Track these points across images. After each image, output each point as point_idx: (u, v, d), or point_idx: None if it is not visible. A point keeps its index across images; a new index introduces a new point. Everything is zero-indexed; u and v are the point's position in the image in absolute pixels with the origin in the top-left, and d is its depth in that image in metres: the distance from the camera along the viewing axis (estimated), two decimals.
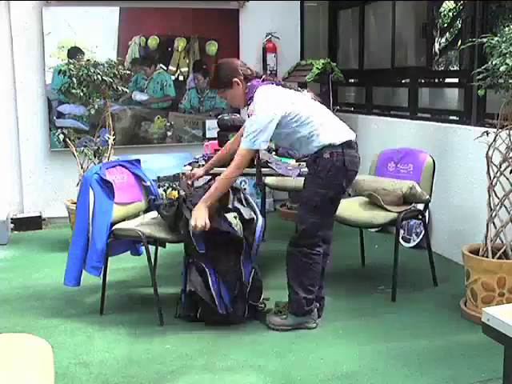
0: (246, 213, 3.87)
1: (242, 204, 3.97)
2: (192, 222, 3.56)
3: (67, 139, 5.43)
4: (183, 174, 4.23)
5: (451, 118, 5.44)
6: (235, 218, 3.79)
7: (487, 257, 3.76)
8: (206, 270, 3.71)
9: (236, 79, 3.65)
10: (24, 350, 2.03)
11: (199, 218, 3.54)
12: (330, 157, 3.55)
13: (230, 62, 3.79)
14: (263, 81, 3.70)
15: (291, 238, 3.71)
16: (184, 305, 3.87)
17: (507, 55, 3.48)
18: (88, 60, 5.41)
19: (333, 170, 3.55)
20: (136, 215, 4.22)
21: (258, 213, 3.97)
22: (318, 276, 3.73)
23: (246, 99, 3.68)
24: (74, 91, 5.24)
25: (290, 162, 4.29)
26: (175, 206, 3.80)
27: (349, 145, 3.64)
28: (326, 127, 3.62)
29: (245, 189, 6.49)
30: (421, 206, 4.51)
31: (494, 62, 3.54)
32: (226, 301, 3.73)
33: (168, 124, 6.53)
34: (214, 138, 6.62)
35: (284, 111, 3.53)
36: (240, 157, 3.55)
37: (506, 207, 3.78)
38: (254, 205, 4.06)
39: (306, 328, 3.73)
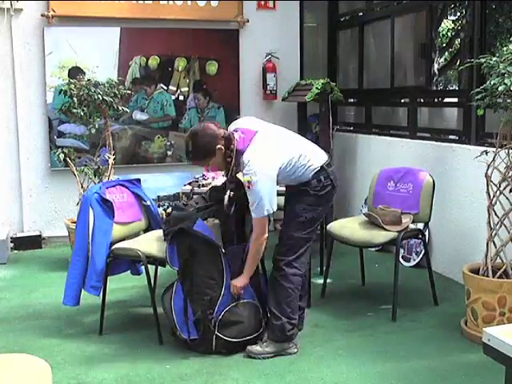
0: None
1: None
2: (234, 291, 3.63)
3: (67, 158, 5.44)
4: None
5: (450, 137, 5.47)
6: None
7: (487, 276, 3.75)
8: (175, 287, 3.67)
9: (219, 145, 3.49)
10: (23, 370, 2.02)
11: (239, 287, 3.63)
12: (319, 182, 3.60)
13: (205, 130, 3.53)
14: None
15: (275, 258, 3.67)
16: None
17: (505, 75, 3.50)
18: (89, 80, 5.43)
19: (324, 190, 3.61)
20: (136, 234, 4.22)
21: None
22: (297, 303, 3.70)
23: (230, 162, 3.53)
24: (74, 111, 5.25)
25: None
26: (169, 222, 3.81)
27: (328, 164, 3.70)
28: (311, 153, 3.66)
29: None
30: (421, 225, 4.51)
31: (492, 82, 3.56)
32: (189, 325, 3.62)
33: (168, 143, 6.55)
34: None
35: (278, 168, 3.48)
36: (258, 226, 3.51)
37: (505, 226, 3.78)
38: None
39: (288, 354, 3.64)
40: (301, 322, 3.86)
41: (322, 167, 3.62)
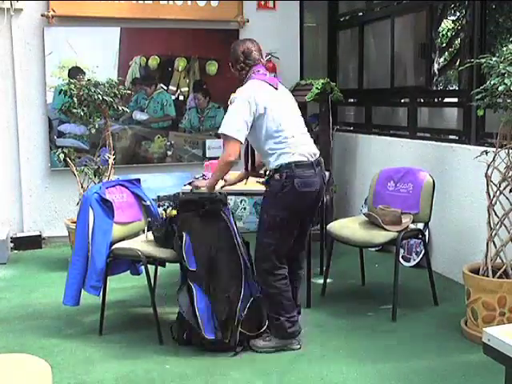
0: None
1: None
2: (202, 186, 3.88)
3: (67, 158, 5.44)
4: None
5: (450, 137, 5.46)
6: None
7: (487, 276, 3.76)
8: (194, 288, 3.64)
9: (233, 62, 3.81)
10: (23, 370, 2.02)
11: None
12: (280, 178, 3.57)
13: (236, 44, 3.87)
14: (259, 71, 3.76)
15: (254, 265, 3.75)
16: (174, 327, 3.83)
17: (505, 75, 3.50)
18: (89, 80, 5.43)
19: (282, 191, 3.57)
20: (136, 234, 4.22)
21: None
22: (291, 301, 3.72)
23: (240, 81, 3.79)
24: (74, 111, 5.25)
25: None
26: (164, 227, 3.84)
27: (301, 165, 3.60)
28: (292, 146, 3.61)
29: (244, 208, 6.50)
30: (421, 226, 4.51)
31: (492, 82, 3.56)
32: (214, 325, 3.63)
33: (168, 143, 6.55)
34: (214, 158, 6.65)
35: (259, 106, 3.57)
36: (227, 146, 3.62)
37: (505, 226, 3.78)
38: None
39: (290, 349, 3.70)
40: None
41: (292, 164, 3.56)
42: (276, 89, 3.74)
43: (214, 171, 3.90)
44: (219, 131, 3.66)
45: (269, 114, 3.59)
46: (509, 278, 3.74)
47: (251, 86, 3.68)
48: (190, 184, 4.35)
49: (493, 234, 3.81)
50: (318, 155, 3.73)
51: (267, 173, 3.74)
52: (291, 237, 3.70)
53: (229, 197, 3.96)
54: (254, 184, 4.32)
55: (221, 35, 6.59)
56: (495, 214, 3.80)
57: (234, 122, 3.58)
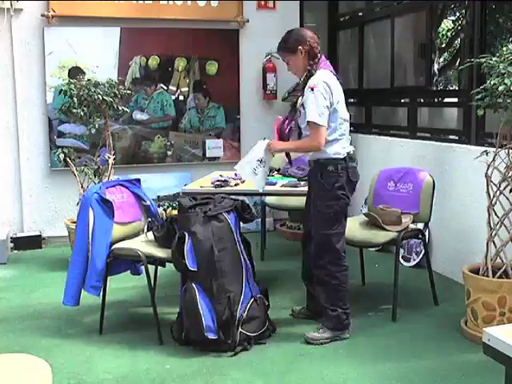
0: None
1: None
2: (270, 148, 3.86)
3: (67, 158, 5.44)
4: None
5: (450, 137, 5.46)
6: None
7: (487, 276, 3.76)
8: (196, 288, 3.65)
9: (301, 47, 3.77)
10: (23, 370, 2.02)
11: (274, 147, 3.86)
12: (335, 170, 3.74)
13: (301, 30, 4.00)
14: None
15: (314, 260, 3.86)
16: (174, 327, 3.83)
17: (505, 75, 3.50)
18: (89, 80, 5.43)
19: (339, 182, 3.73)
20: (136, 235, 4.22)
21: None
22: (348, 293, 3.88)
23: (309, 70, 3.79)
24: (74, 111, 5.26)
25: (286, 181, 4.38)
26: (165, 227, 3.84)
27: (351, 157, 3.86)
28: (344, 139, 3.85)
29: None
30: (421, 226, 4.51)
31: (492, 82, 3.56)
32: (214, 325, 3.63)
33: (168, 143, 6.55)
34: (214, 158, 6.67)
35: (334, 99, 3.73)
36: (313, 134, 3.70)
37: (505, 226, 3.78)
38: None
39: (341, 339, 3.84)
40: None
41: (342, 158, 3.77)
42: (338, 80, 3.87)
43: (296, 144, 3.93)
44: (307, 119, 3.69)
45: (339, 105, 3.78)
46: (509, 277, 3.74)
47: (326, 75, 3.77)
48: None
49: (493, 233, 3.81)
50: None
51: (312, 166, 3.86)
52: (345, 226, 3.90)
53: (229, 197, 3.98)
54: (253, 184, 4.34)
55: (221, 35, 6.60)
56: (495, 214, 3.80)
57: (319, 109, 3.67)
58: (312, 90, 3.67)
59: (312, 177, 3.90)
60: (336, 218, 3.79)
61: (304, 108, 3.73)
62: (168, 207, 6.40)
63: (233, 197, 4.03)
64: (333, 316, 3.83)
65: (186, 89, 6.57)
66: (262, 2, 6.74)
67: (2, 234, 5.82)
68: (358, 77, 6.65)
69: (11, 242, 6.07)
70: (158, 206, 6.21)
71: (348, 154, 3.82)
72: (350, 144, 3.94)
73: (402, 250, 5.36)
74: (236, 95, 6.70)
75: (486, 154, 3.80)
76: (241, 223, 3.95)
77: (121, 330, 4.06)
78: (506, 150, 3.73)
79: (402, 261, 5.35)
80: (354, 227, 4.42)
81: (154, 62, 6.44)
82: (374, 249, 5.59)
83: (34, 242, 6.14)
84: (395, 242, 4.22)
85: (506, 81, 3.47)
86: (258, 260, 5.23)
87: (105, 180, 5.23)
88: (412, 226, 4.39)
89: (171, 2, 6.42)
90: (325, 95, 3.67)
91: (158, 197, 6.39)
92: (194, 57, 6.55)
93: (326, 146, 3.72)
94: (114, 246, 3.92)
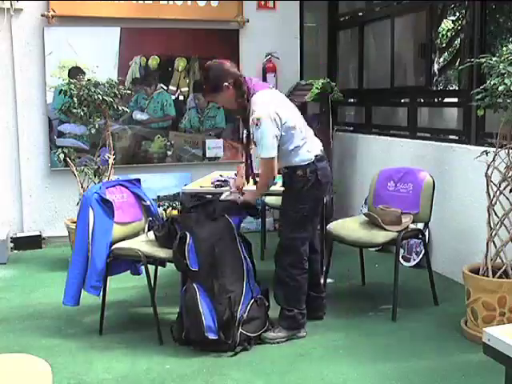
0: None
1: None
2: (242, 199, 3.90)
3: (67, 158, 5.44)
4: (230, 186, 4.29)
5: (450, 137, 5.47)
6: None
7: (487, 276, 3.76)
8: (196, 288, 3.65)
9: (226, 83, 3.65)
10: (23, 370, 2.02)
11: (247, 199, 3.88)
12: (304, 174, 3.73)
13: (218, 64, 3.73)
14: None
15: (276, 259, 3.88)
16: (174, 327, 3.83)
17: (505, 75, 3.50)
18: (89, 80, 5.43)
19: (308, 185, 3.74)
20: (136, 235, 4.22)
21: None
22: (305, 295, 3.90)
23: (242, 102, 3.69)
24: (74, 111, 5.26)
25: None
26: (166, 227, 3.84)
27: (320, 158, 3.82)
28: (309, 137, 3.82)
29: None
30: (421, 226, 4.51)
31: (492, 82, 3.56)
32: (215, 325, 3.63)
33: (168, 143, 6.55)
34: (214, 158, 6.67)
35: (283, 118, 3.64)
36: (264, 167, 3.69)
37: (505, 226, 3.78)
38: None
39: (298, 338, 3.86)
40: (321, 309, 4.16)
41: (312, 161, 3.74)
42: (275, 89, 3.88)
43: (259, 186, 3.89)
44: (261, 157, 3.66)
45: (287, 119, 3.68)
46: (509, 277, 3.74)
47: (264, 99, 3.68)
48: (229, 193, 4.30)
49: (493, 233, 3.81)
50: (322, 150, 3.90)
51: (284, 171, 3.85)
52: (315, 228, 3.96)
53: None
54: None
55: (221, 35, 6.60)
56: (495, 214, 3.80)
57: (269, 143, 3.61)
58: (257, 125, 3.58)
59: (283, 180, 3.91)
60: (302, 222, 3.78)
61: (255, 145, 3.72)
62: (168, 207, 6.40)
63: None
64: (289, 316, 3.84)
65: (186, 89, 6.57)
66: (262, 2, 6.74)
67: (2, 233, 5.82)
68: (358, 77, 6.65)
69: (11, 242, 6.07)
70: (158, 206, 6.21)
71: (316, 156, 3.78)
72: (321, 141, 3.99)
73: (402, 250, 5.36)
74: None
75: (486, 154, 3.80)
76: (241, 224, 3.96)
77: (121, 330, 4.06)
78: (506, 150, 3.73)
79: (402, 261, 5.35)
80: (354, 227, 4.43)
81: (153, 62, 6.44)
82: (373, 249, 5.58)
83: (34, 241, 6.14)
84: (395, 241, 4.22)
85: (506, 81, 3.47)
86: (258, 260, 5.22)
87: (105, 180, 5.23)
88: (412, 225, 4.39)
89: (171, 2, 6.42)
90: (271, 125, 3.58)
91: (158, 197, 6.39)
92: (194, 57, 6.55)
93: (290, 156, 3.72)
94: (114, 246, 3.92)
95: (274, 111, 3.60)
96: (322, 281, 4.24)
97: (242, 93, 3.68)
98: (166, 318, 4.02)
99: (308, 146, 3.78)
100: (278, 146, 3.68)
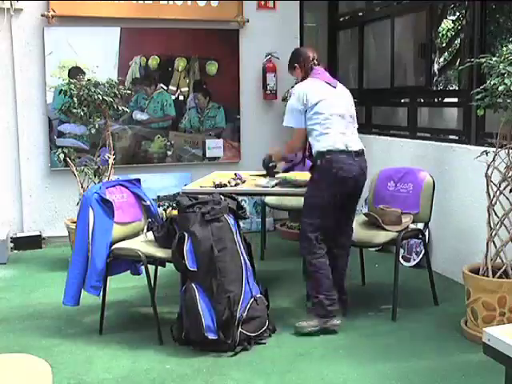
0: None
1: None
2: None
3: (67, 158, 5.44)
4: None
5: (450, 137, 5.47)
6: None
7: (487, 276, 3.76)
8: (195, 288, 3.65)
9: (297, 65, 4.24)
10: (23, 370, 2.02)
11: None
12: (321, 162, 3.93)
13: (299, 50, 4.51)
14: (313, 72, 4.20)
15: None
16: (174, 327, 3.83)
17: (505, 75, 3.50)
18: (89, 80, 5.43)
19: (323, 174, 3.94)
20: (136, 235, 4.22)
21: None
22: (329, 280, 3.96)
23: (301, 80, 4.24)
24: (74, 111, 5.26)
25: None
26: (165, 227, 3.85)
27: (345, 152, 3.93)
28: (336, 134, 3.95)
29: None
30: (421, 226, 4.51)
31: (492, 82, 3.56)
32: (214, 325, 3.63)
33: (168, 143, 6.55)
34: (214, 158, 6.67)
35: (308, 100, 3.96)
36: (292, 135, 4.13)
37: (505, 226, 3.78)
38: None
39: (332, 326, 3.91)
40: (344, 307, 4.16)
41: (332, 150, 3.89)
42: (334, 87, 4.15)
43: (285, 148, 4.38)
44: (283, 124, 4.15)
45: (315, 104, 3.96)
46: (509, 277, 3.74)
47: (307, 84, 4.12)
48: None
49: (493, 233, 3.81)
50: (359, 148, 4.03)
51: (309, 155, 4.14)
52: (333, 220, 4.01)
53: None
54: (253, 185, 4.36)
55: (221, 35, 6.60)
56: (495, 214, 3.80)
57: (291, 113, 4.07)
58: (290, 97, 4.23)
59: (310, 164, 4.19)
60: (313, 209, 3.96)
61: None
62: (168, 207, 6.40)
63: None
64: (315, 303, 3.94)
65: (186, 89, 6.57)
66: (262, 2, 6.74)
67: (2, 233, 5.82)
68: (358, 77, 6.65)
69: (11, 242, 6.07)
70: (158, 206, 6.21)
71: (340, 149, 3.93)
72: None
73: (402, 250, 5.36)
74: (236, 95, 6.70)
75: (486, 154, 3.80)
76: (241, 224, 3.96)
77: (121, 330, 4.06)
78: (506, 150, 3.73)
79: (402, 261, 5.35)
80: (354, 227, 4.42)
81: (153, 62, 6.44)
82: (373, 249, 5.58)
83: (34, 242, 6.14)
84: (395, 242, 4.22)
85: (506, 81, 3.47)
86: (258, 260, 5.23)
87: (105, 180, 5.23)
88: (412, 226, 4.39)
89: (171, 2, 6.42)
90: (295, 101, 4.03)
91: (158, 197, 6.39)
92: (194, 57, 6.55)
93: (314, 140, 3.98)
94: (114, 246, 3.92)
95: (303, 91, 4.01)
96: (345, 282, 4.23)
97: (304, 75, 4.21)
98: (166, 318, 4.02)
99: (333, 137, 3.93)
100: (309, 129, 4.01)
